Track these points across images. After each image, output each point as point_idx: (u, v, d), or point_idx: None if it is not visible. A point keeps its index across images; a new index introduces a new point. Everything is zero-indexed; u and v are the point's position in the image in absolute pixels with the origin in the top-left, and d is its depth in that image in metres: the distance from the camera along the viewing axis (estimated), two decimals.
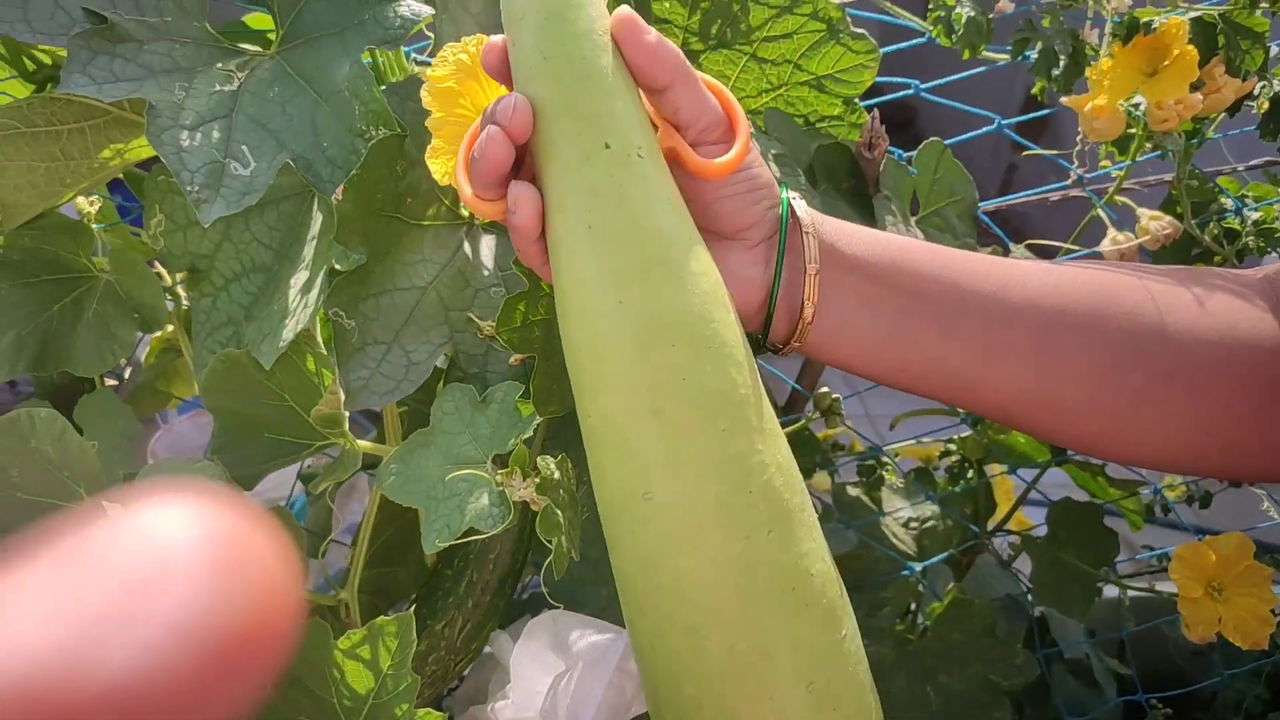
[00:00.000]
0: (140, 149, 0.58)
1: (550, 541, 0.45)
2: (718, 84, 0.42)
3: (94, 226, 0.61)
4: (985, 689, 0.77)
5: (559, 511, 0.46)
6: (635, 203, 0.38)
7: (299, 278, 0.52)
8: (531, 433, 0.47)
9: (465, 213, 0.53)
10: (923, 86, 0.66)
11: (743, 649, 0.37)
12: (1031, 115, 0.75)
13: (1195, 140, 0.61)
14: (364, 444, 0.51)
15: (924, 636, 0.77)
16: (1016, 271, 0.45)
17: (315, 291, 0.49)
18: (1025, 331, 0.44)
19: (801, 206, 0.44)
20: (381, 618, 0.52)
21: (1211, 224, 0.64)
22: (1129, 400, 0.44)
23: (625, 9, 0.39)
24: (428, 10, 0.47)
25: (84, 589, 0.16)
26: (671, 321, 0.37)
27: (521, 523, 0.63)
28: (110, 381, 0.73)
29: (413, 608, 0.55)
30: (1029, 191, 0.74)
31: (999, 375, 0.44)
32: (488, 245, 0.53)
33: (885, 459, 0.76)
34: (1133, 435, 0.46)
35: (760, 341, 0.46)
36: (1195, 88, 0.56)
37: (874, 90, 0.61)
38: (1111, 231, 0.65)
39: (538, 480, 0.45)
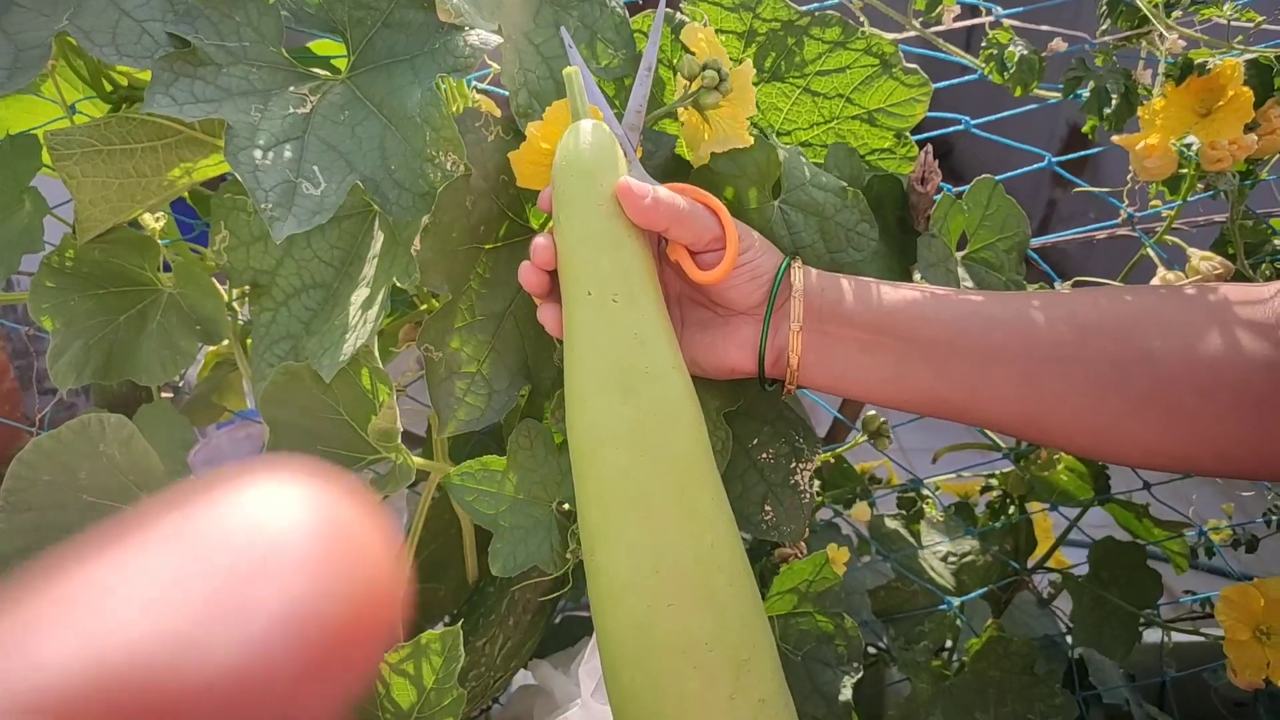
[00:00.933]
0: (207, 168, 0.60)
1: None
2: (716, 204, 0.51)
3: (160, 242, 0.63)
4: None
5: None
6: (603, 339, 0.47)
7: (359, 294, 0.53)
8: None
9: (535, 224, 0.54)
10: (973, 122, 0.67)
11: None
12: (1077, 155, 0.75)
13: (1249, 181, 0.61)
14: (417, 460, 0.52)
15: (961, 673, 0.77)
16: (1003, 310, 0.50)
17: (376, 309, 0.50)
18: (1010, 366, 0.49)
19: (798, 275, 0.52)
20: (428, 633, 0.53)
21: (1265, 265, 0.63)
22: (1112, 420, 0.48)
23: (626, 181, 0.48)
24: (496, 39, 0.48)
25: (191, 575, 0.16)
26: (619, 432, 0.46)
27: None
28: (165, 395, 0.75)
29: (456, 624, 0.56)
30: (1077, 230, 0.74)
31: (988, 405, 0.50)
32: None
33: (926, 492, 0.76)
34: (1122, 448, 0.49)
35: (763, 385, 0.54)
36: (1250, 128, 0.56)
37: (918, 124, 0.62)
38: (1161, 271, 0.65)
39: None
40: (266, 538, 0.16)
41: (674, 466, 0.46)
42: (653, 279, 0.50)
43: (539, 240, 0.50)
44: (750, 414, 0.56)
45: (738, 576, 0.45)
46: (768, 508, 0.52)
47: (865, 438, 0.62)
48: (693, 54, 0.52)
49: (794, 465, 0.53)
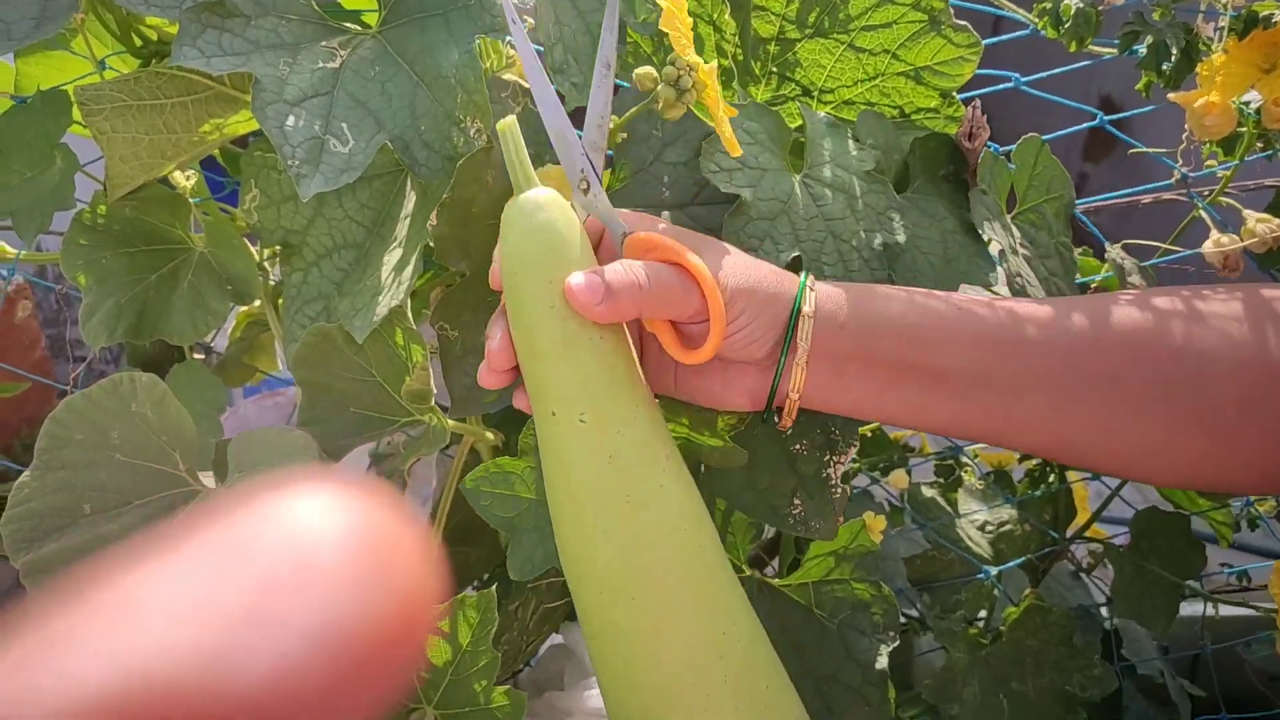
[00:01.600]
0: (238, 124, 0.59)
1: None
2: (695, 267, 0.43)
3: (191, 201, 0.62)
4: (1059, 698, 0.75)
5: None
6: (575, 467, 0.42)
7: (392, 255, 0.52)
8: None
9: None
10: (1023, 80, 0.64)
11: None
12: (1124, 114, 0.72)
13: None
14: (451, 422, 0.52)
15: (998, 642, 0.76)
16: (1043, 328, 0.46)
17: (409, 269, 0.49)
18: (1047, 393, 0.45)
19: (809, 299, 0.45)
20: (464, 593, 0.53)
21: None
22: (1154, 443, 0.45)
23: (575, 277, 0.41)
24: None
25: (225, 587, 0.16)
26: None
27: None
28: (196, 356, 0.75)
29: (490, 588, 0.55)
30: (1125, 192, 0.72)
31: (1020, 432, 0.47)
32: None
33: (964, 460, 0.75)
34: (1163, 471, 0.47)
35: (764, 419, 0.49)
36: None
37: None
38: (1215, 233, 0.63)
39: None
40: (301, 549, 0.16)
41: (670, 605, 0.41)
42: (629, 378, 0.43)
43: (492, 346, 0.44)
44: None
45: (768, 696, 0.42)
46: (797, 501, 0.51)
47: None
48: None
49: (828, 458, 0.51)
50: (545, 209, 0.43)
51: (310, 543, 0.16)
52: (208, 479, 0.51)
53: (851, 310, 0.45)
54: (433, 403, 0.50)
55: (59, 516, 0.46)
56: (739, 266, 0.45)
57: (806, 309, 0.44)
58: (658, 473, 0.42)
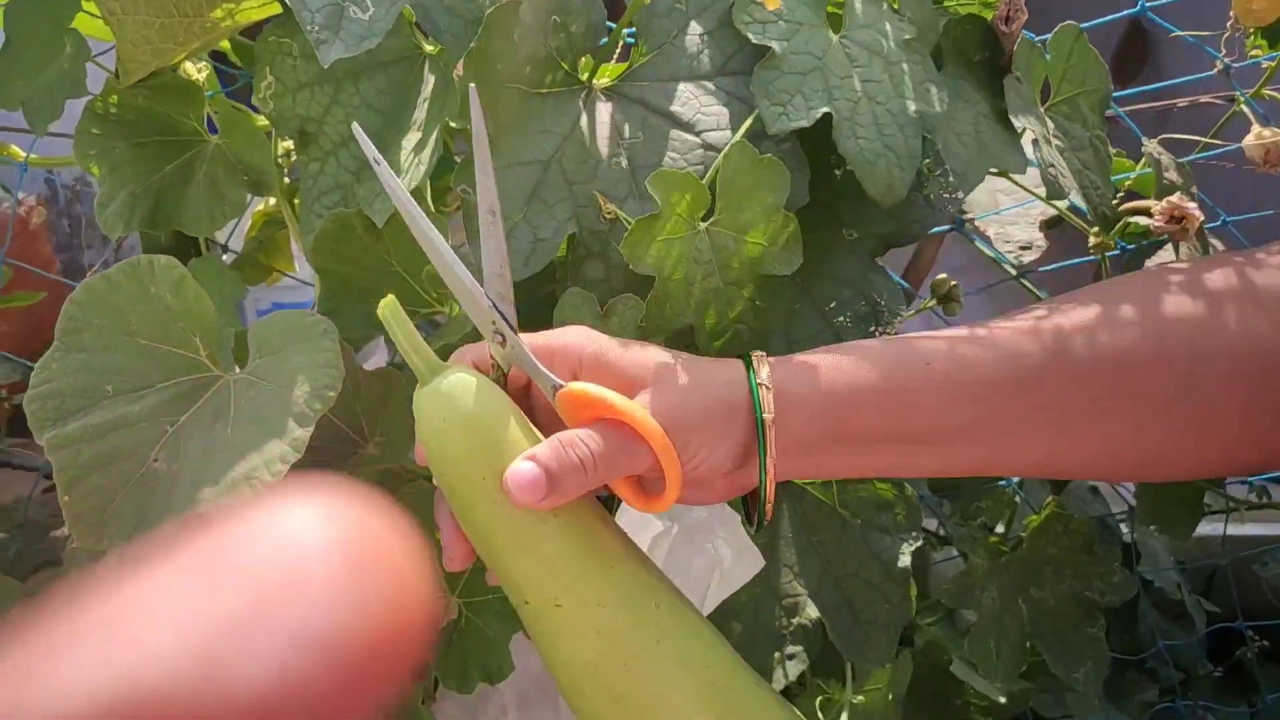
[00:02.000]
0: (250, 10, 0.57)
1: None
2: (644, 426, 0.40)
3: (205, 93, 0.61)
4: (1079, 605, 0.75)
5: None
6: (562, 650, 0.40)
7: (411, 138, 0.51)
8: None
9: (583, 75, 0.51)
10: None
11: None
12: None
13: None
14: None
15: (1018, 549, 0.76)
16: (1022, 365, 0.43)
17: (428, 150, 0.48)
18: (1038, 432, 0.43)
19: (768, 403, 0.41)
20: None
21: None
22: (1153, 459, 0.44)
23: (511, 474, 0.38)
24: None
25: (218, 597, 0.16)
26: None
27: None
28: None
29: None
30: (1166, 83, 0.69)
31: (1010, 466, 0.48)
32: (606, 113, 0.52)
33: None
34: (1161, 473, 0.48)
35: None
36: None
37: None
38: (1256, 127, 0.61)
39: None
40: (293, 558, 0.16)
41: None
42: (598, 545, 0.41)
43: (444, 540, 0.42)
44: (832, 276, 0.53)
45: None
46: None
47: (932, 302, 0.59)
48: None
49: (873, 329, 0.51)
50: (456, 399, 0.40)
51: (302, 552, 0.16)
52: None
53: (821, 391, 0.42)
54: None
55: (81, 397, 0.45)
56: (690, 401, 0.41)
57: (767, 416, 0.41)
58: (650, 632, 0.40)
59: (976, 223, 0.67)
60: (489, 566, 0.42)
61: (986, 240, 0.66)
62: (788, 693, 0.62)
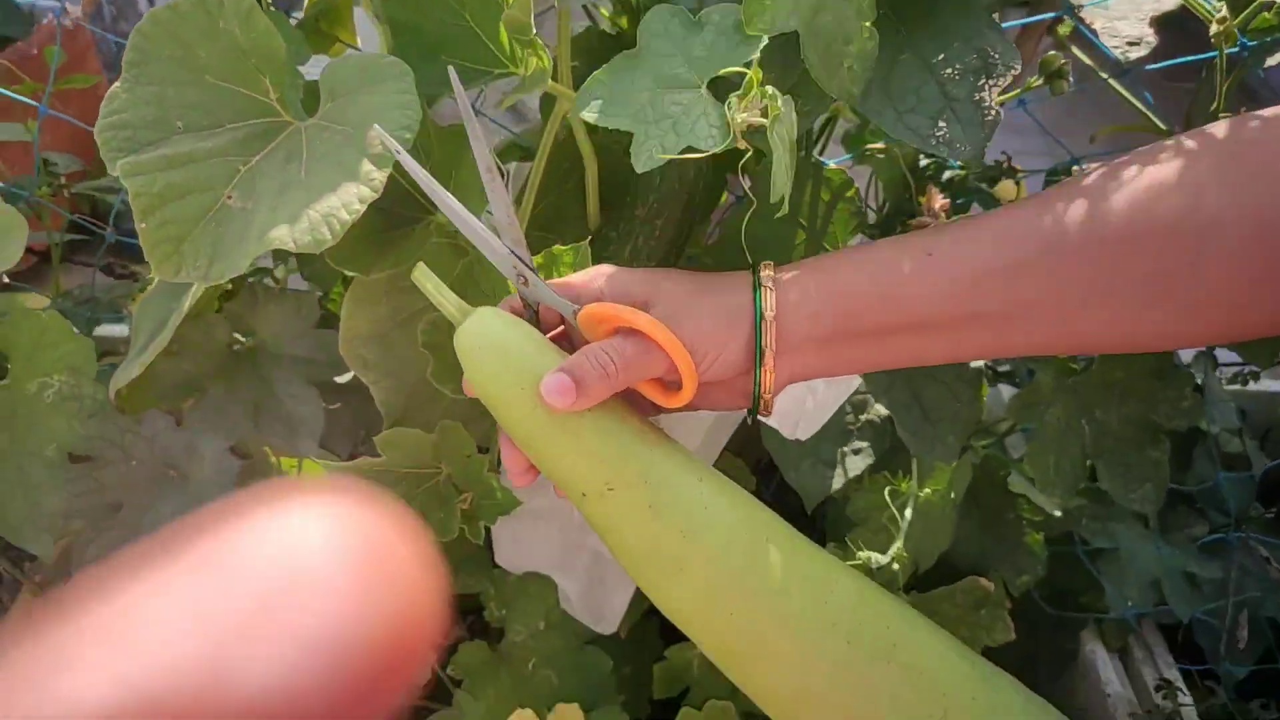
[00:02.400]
0: None
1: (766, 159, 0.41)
2: (657, 333, 0.44)
3: None
4: (1143, 428, 0.74)
5: (782, 141, 0.42)
6: (624, 531, 0.44)
7: None
8: (757, 54, 0.43)
9: None
10: None
11: None
12: None
13: None
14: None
15: (1086, 371, 0.74)
16: (1020, 255, 0.43)
17: None
18: (1039, 318, 0.43)
19: (769, 300, 0.45)
20: (557, 246, 0.51)
21: None
22: (1168, 331, 0.43)
23: (544, 384, 0.42)
24: None
25: (223, 600, 0.16)
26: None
27: (692, 190, 0.61)
28: None
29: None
30: None
31: (1021, 350, 0.47)
32: None
33: (1080, 170, 0.70)
34: (1183, 344, 0.47)
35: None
36: None
37: None
38: None
39: (763, 104, 0.42)
40: (299, 561, 0.16)
41: (759, 614, 0.42)
42: (634, 430, 0.45)
43: (507, 462, 0.47)
44: (944, 29, 0.48)
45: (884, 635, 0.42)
46: (942, 124, 0.47)
47: (1039, 81, 0.55)
48: None
49: (982, 82, 0.47)
50: (485, 332, 0.45)
51: (308, 555, 0.16)
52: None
53: (821, 293, 0.45)
54: (533, 34, 0.47)
55: (151, 130, 0.44)
56: (695, 307, 0.45)
57: (768, 314, 0.45)
58: (699, 495, 0.44)
59: (1081, 13, 0.62)
60: (545, 474, 0.46)
61: (1093, 33, 0.61)
62: (850, 486, 0.62)
